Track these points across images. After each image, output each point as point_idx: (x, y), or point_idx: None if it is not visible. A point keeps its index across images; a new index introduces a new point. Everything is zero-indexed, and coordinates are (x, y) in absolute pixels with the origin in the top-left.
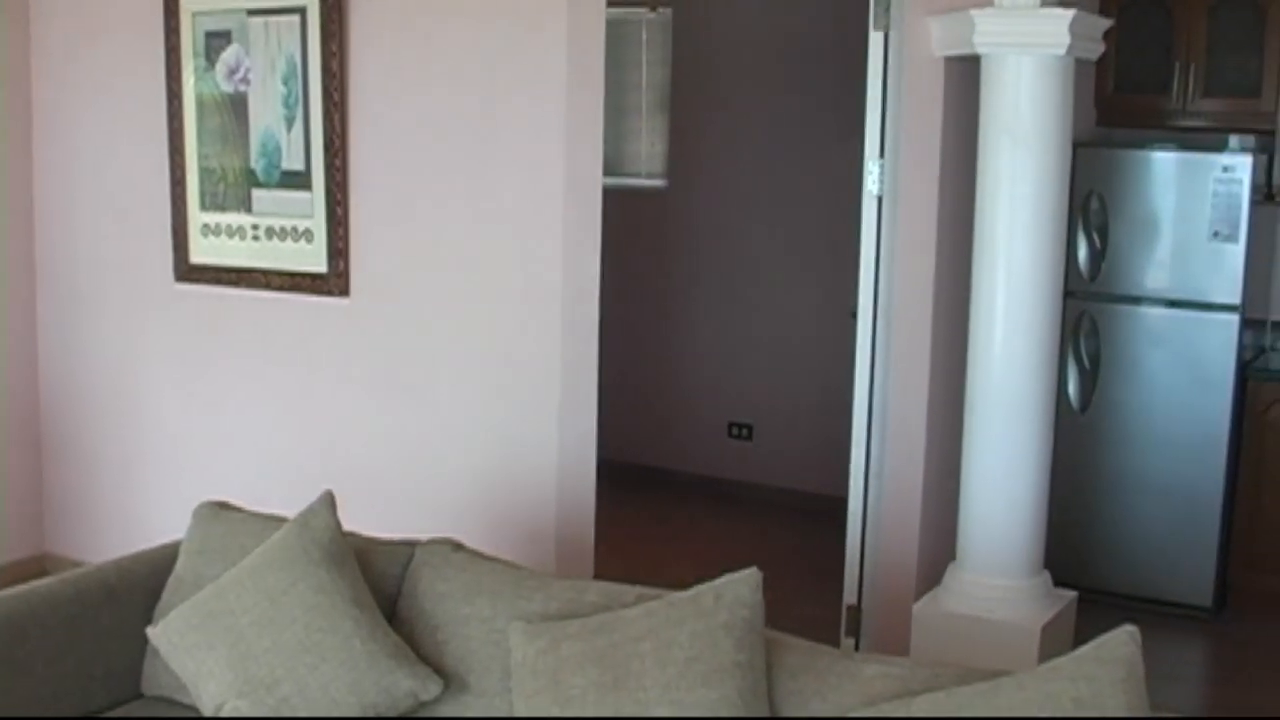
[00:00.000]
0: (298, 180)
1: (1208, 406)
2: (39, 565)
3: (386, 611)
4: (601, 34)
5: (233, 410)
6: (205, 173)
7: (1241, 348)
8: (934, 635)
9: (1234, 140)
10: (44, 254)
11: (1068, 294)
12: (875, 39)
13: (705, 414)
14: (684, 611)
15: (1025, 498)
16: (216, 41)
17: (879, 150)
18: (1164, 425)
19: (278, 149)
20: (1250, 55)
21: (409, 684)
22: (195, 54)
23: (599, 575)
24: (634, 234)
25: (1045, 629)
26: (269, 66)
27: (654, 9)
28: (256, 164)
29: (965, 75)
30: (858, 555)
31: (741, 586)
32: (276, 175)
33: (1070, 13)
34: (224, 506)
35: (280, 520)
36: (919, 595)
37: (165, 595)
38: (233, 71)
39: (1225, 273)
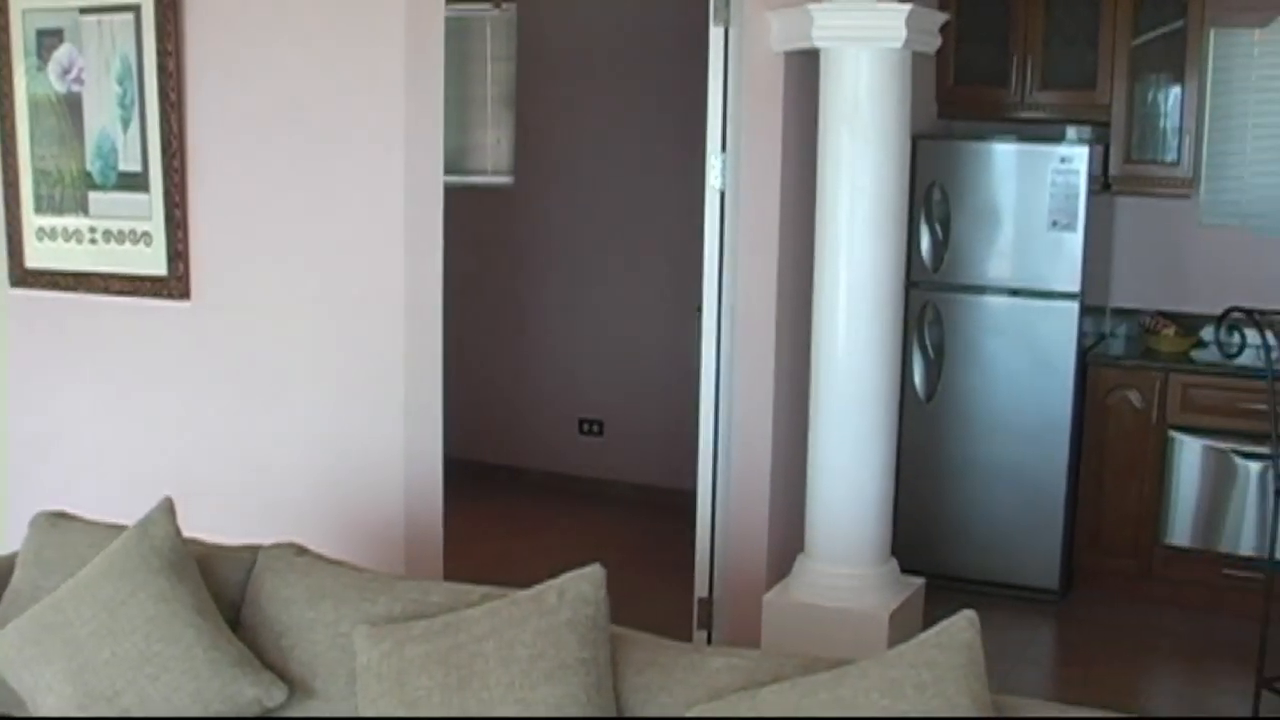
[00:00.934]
0: (135, 182)
1: (1050, 393)
2: None
3: (230, 619)
4: (440, 31)
5: (72, 417)
6: (40, 175)
7: (1082, 334)
8: (785, 625)
9: (1071, 131)
10: None
11: (911, 284)
12: (715, 34)
13: (555, 411)
14: (527, 610)
15: (871, 487)
16: (48, 40)
17: (721, 145)
18: (1008, 412)
19: (114, 150)
20: (1086, 48)
21: (253, 691)
22: (26, 53)
23: (449, 575)
24: (481, 231)
25: (894, 616)
26: (103, 66)
27: (498, 6)
28: (93, 166)
29: (805, 69)
30: (708, 548)
31: (584, 583)
32: (113, 177)
33: (907, 7)
34: (62, 516)
35: (119, 529)
36: (769, 586)
37: (1, 609)
38: (66, 71)
39: (1065, 261)
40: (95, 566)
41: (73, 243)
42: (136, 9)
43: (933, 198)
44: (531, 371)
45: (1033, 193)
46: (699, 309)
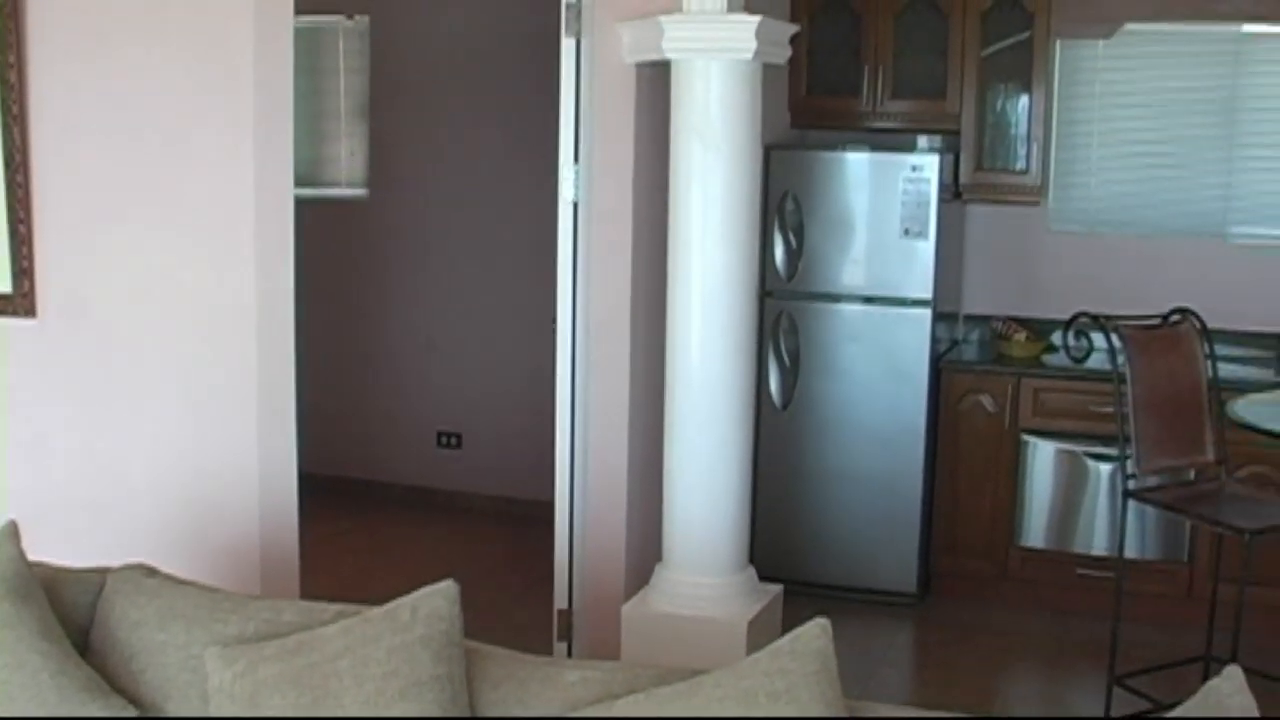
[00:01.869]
0: None
1: (905, 399)
2: None
3: (78, 643)
4: (289, 41)
5: None
6: None
7: (935, 340)
8: (644, 636)
9: (922, 140)
10: None
11: (766, 294)
12: (567, 45)
13: (413, 424)
14: (380, 627)
15: (728, 496)
16: None
17: (573, 156)
18: (864, 418)
19: None
20: (936, 58)
21: (103, 716)
22: None
23: (307, 594)
24: (336, 244)
25: (752, 624)
26: None
27: (350, 17)
28: None
29: (657, 80)
30: (566, 560)
31: (438, 599)
32: None
33: (756, 19)
34: None
35: None
36: (629, 597)
37: None
38: None
39: (917, 269)
40: None
41: None
42: None
43: (786, 207)
44: (388, 385)
45: (885, 201)
46: (555, 320)
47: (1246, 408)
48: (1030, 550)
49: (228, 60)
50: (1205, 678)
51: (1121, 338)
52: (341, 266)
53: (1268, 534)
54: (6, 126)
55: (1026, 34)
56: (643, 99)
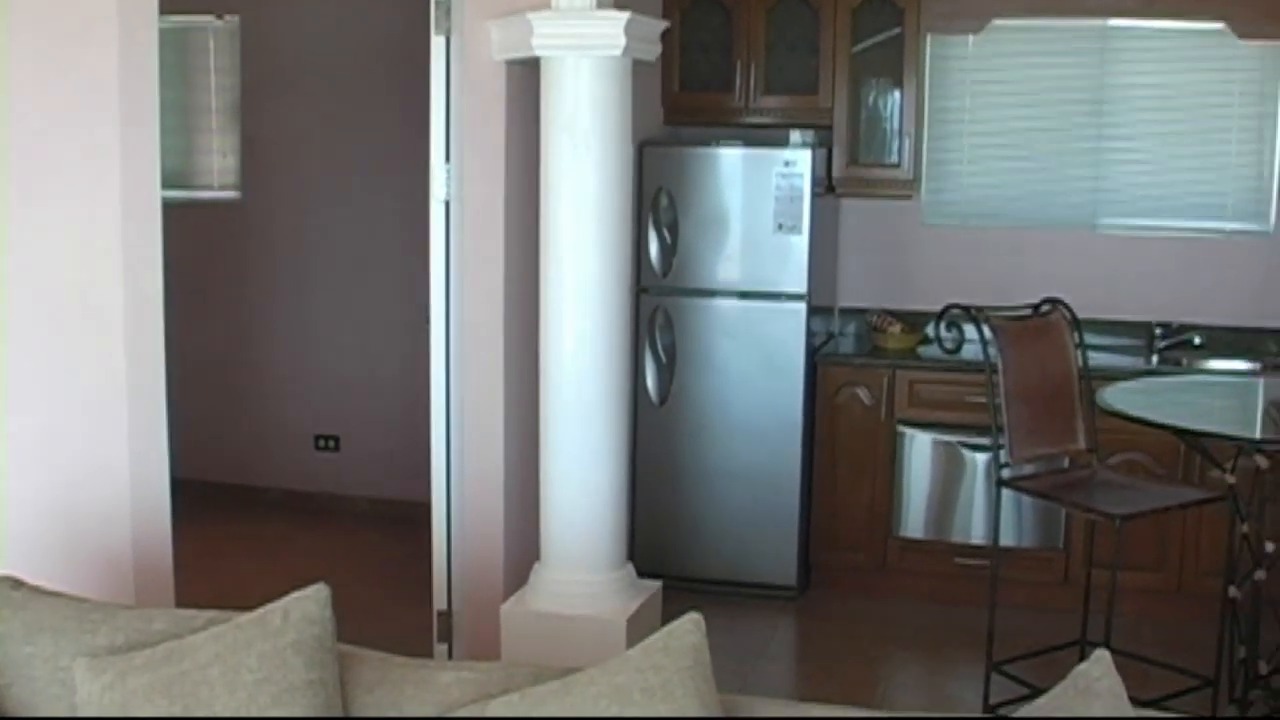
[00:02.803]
0: None
1: (781, 393)
2: None
3: None
4: (153, 43)
5: None
6: None
7: (810, 334)
8: (523, 636)
9: (795, 135)
10: None
11: (641, 290)
12: (437, 43)
13: (290, 427)
14: (252, 634)
15: (604, 492)
16: None
17: (445, 155)
18: (741, 413)
19: None
20: (807, 54)
21: None
22: None
23: (184, 601)
24: (208, 247)
25: (631, 620)
26: None
27: (220, 17)
28: None
29: (527, 78)
30: (445, 561)
31: (310, 604)
32: None
33: (625, 15)
34: None
35: None
36: (508, 597)
37: None
38: None
39: (791, 263)
40: None
41: None
42: None
43: (660, 203)
44: (264, 389)
45: (758, 196)
46: (429, 320)
47: (1116, 395)
48: (909, 541)
49: (92, 60)
50: (1081, 661)
51: (992, 329)
52: (215, 269)
53: (1138, 519)
54: None
55: (897, 30)
56: (513, 97)
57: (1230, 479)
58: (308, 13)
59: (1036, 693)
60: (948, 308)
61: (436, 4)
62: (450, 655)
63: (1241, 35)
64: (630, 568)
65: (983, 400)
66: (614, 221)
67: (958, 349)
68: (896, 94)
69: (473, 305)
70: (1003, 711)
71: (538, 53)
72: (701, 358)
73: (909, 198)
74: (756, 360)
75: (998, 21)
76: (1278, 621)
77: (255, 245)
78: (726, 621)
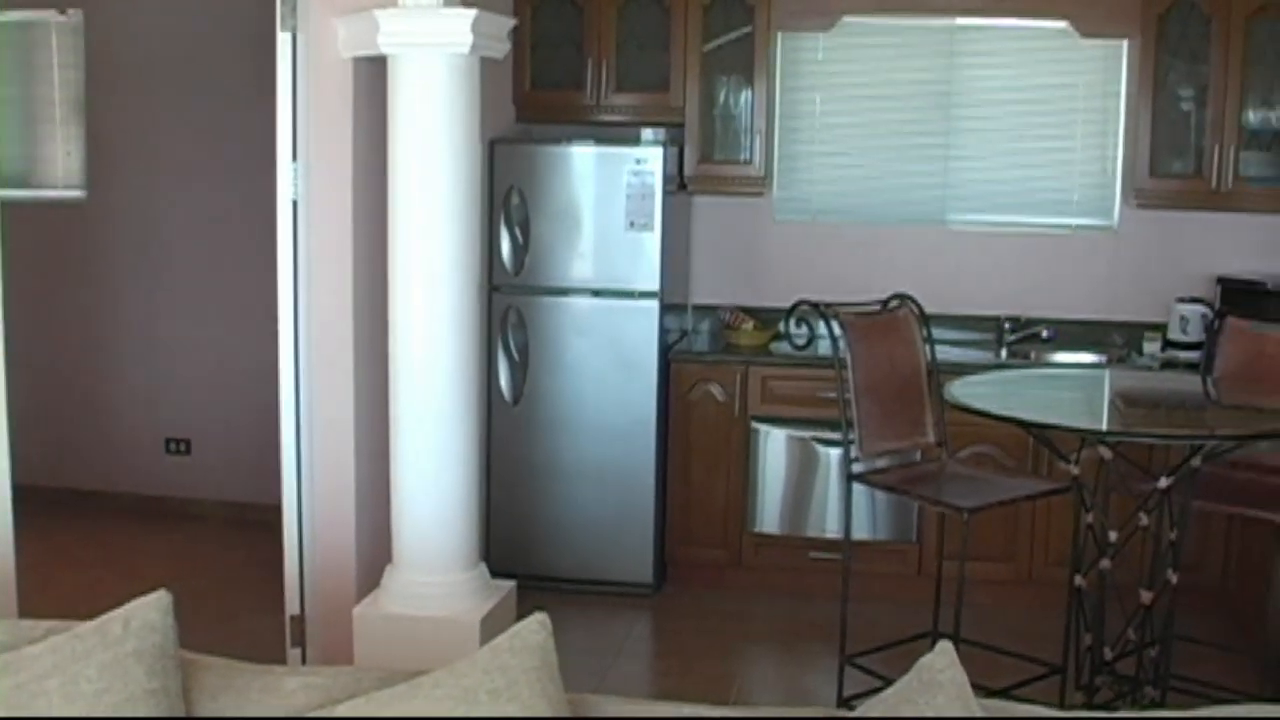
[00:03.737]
0: None
1: (635, 390)
2: None
3: None
4: None
5: None
6: None
7: (664, 332)
8: (377, 638)
9: (648, 133)
10: None
11: (493, 289)
12: (283, 40)
13: (140, 431)
14: (91, 643)
15: (456, 492)
16: None
17: (292, 154)
18: (595, 411)
19: None
20: (659, 52)
21: None
22: None
23: (30, 611)
24: (52, 248)
25: (485, 621)
26: None
27: (63, 11)
28: None
29: (374, 75)
30: (297, 565)
31: (151, 611)
32: None
33: (473, 12)
34: None
35: None
36: (360, 599)
37: None
38: None
39: (644, 261)
40: None
41: None
42: None
43: (511, 201)
44: (113, 392)
45: (610, 194)
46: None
47: (963, 389)
48: (764, 536)
49: None
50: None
51: (841, 325)
52: (60, 269)
53: (985, 511)
54: None
55: (748, 28)
56: (360, 94)
57: (1074, 470)
58: (153, 8)
59: (889, 684)
60: (797, 304)
61: (282, 1)
62: (303, 660)
63: (1084, 34)
64: (483, 568)
65: (834, 396)
66: (463, 220)
67: (808, 345)
68: (748, 91)
69: (322, 306)
70: (856, 703)
71: (384, 50)
72: (555, 356)
73: (760, 195)
74: (610, 358)
75: (847, 19)
76: (1122, 609)
77: (101, 245)
78: (583, 620)
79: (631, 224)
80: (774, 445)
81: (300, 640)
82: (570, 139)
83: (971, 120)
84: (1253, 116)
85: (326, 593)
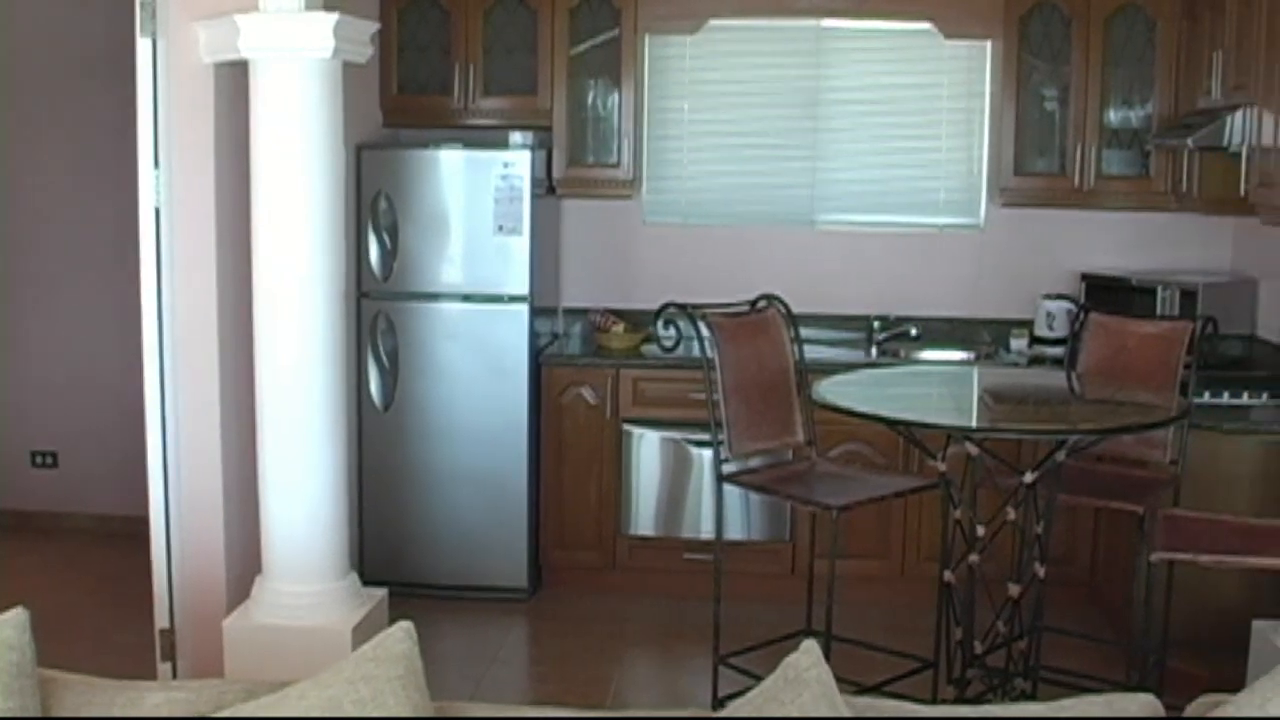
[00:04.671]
0: None
1: (507, 395)
2: None
3: None
4: None
5: None
6: None
7: (534, 336)
8: (248, 650)
9: (516, 137)
10: None
11: (362, 295)
12: (143, 45)
13: (4, 444)
14: None
15: (325, 501)
16: None
17: (155, 160)
18: (467, 417)
19: None
20: (526, 55)
21: None
22: None
23: None
24: None
25: (356, 630)
26: None
27: None
28: None
29: (237, 81)
30: (165, 577)
31: (7, 629)
32: None
33: (334, 17)
34: None
35: None
36: (231, 611)
37: None
38: None
39: (513, 265)
40: None
41: None
42: None
43: (379, 207)
44: None
45: (478, 199)
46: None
47: (829, 388)
48: (639, 539)
49: None
50: None
51: (709, 326)
52: None
53: (854, 509)
54: None
55: (615, 31)
56: (222, 100)
57: (941, 467)
58: (13, 13)
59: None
60: (665, 306)
61: (142, 5)
62: (174, 674)
63: (948, 35)
64: (355, 577)
65: (705, 397)
66: (327, 226)
67: (676, 346)
68: (616, 95)
69: (186, 315)
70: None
71: (245, 55)
72: (425, 362)
73: (630, 197)
74: (481, 363)
75: (714, 22)
76: (992, 603)
77: None
78: (459, 626)
79: (500, 228)
80: (647, 447)
81: (170, 654)
82: (438, 143)
83: (839, 121)
84: (1113, 116)
85: (196, 605)
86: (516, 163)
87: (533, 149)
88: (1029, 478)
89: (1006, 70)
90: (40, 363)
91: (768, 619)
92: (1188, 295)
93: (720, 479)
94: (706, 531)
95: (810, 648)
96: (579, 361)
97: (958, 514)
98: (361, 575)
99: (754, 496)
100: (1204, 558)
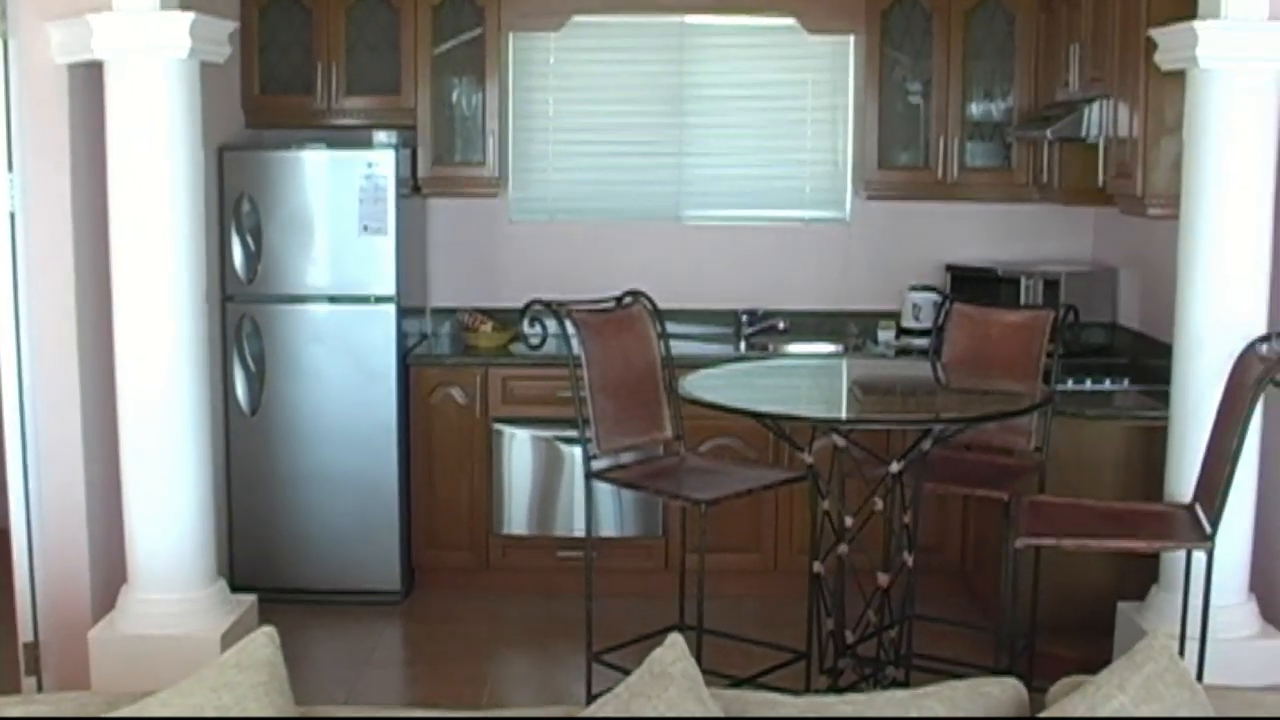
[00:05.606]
0: None
1: (376, 397)
2: None
3: None
4: None
5: None
6: None
7: (402, 336)
8: (115, 661)
9: (380, 136)
10: None
11: (227, 298)
12: None
13: None
14: None
15: (191, 508)
16: None
17: (8, 164)
18: (336, 419)
19: None
20: (389, 53)
21: None
22: None
23: None
24: None
25: (225, 637)
26: None
27: None
28: None
29: (93, 81)
30: (28, 589)
31: None
32: None
33: (190, 16)
34: None
35: None
36: (97, 622)
37: None
38: None
39: (379, 265)
40: None
41: None
42: None
43: (242, 209)
44: None
45: (343, 199)
46: None
47: (696, 383)
48: (511, 538)
49: None
50: None
51: (575, 323)
52: None
53: (724, 502)
54: None
55: (478, 29)
56: (78, 102)
57: (808, 459)
58: None
59: None
60: (530, 303)
61: None
62: (39, 688)
63: (811, 31)
64: (223, 583)
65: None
66: (187, 228)
67: (542, 344)
68: (480, 93)
69: (44, 321)
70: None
71: (99, 56)
72: (292, 365)
73: (496, 195)
74: (348, 365)
75: (578, 19)
76: (863, 593)
77: None
78: (331, 630)
79: (365, 228)
80: (518, 446)
81: (35, 668)
82: (301, 144)
83: (704, 117)
84: (975, 108)
85: (61, 617)
86: (380, 162)
87: (397, 148)
88: (895, 467)
89: (869, 65)
90: None
91: (642, 615)
92: (1051, 285)
93: (589, 476)
94: (579, 529)
95: (675, 642)
96: (448, 361)
97: (826, 505)
98: (231, 582)
99: (626, 493)
100: (1067, 542)
